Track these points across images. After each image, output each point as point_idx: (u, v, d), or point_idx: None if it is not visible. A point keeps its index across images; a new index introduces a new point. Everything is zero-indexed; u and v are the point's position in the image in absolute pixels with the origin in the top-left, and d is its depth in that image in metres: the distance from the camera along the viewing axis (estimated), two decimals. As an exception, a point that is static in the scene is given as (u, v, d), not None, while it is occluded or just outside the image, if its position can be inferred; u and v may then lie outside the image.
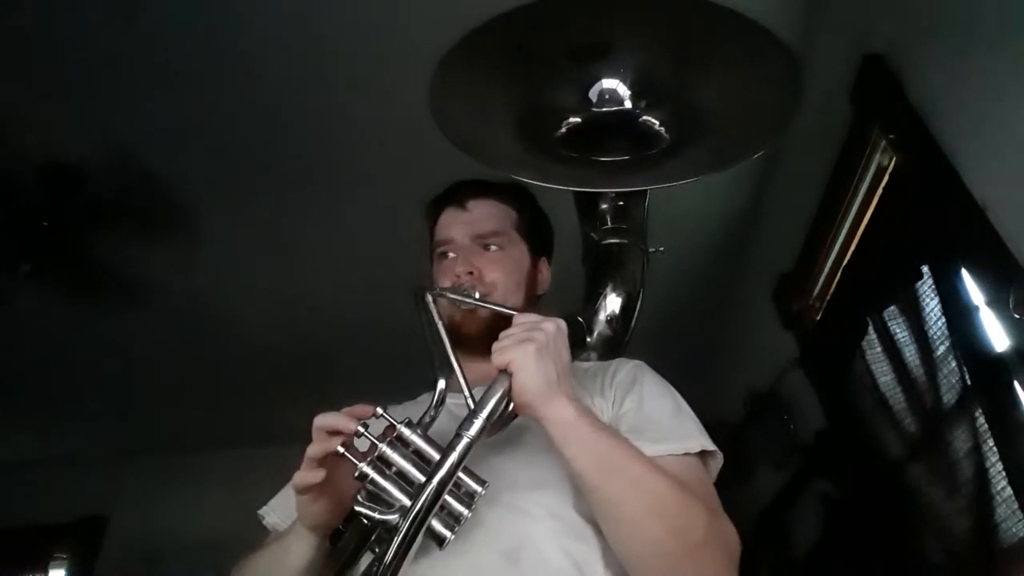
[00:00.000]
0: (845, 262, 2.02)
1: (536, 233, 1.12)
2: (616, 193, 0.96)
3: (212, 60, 1.90)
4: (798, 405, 2.39)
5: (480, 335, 0.98)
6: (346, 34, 1.87)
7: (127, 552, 3.37)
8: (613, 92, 0.92)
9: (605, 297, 0.91)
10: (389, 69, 1.95)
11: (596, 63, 0.92)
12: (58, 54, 1.85)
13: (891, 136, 1.62)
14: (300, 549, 0.79)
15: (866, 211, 1.87)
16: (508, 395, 0.75)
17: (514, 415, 0.78)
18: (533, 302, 1.07)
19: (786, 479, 2.45)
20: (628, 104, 0.92)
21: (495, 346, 0.77)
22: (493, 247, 1.05)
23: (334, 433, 0.76)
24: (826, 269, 2.15)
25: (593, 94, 0.92)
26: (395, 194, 2.32)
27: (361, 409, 0.77)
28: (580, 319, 0.89)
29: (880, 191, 1.77)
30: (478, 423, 0.71)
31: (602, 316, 0.91)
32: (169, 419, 3.42)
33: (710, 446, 0.87)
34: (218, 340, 2.95)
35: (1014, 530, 1.33)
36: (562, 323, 0.80)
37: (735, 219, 2.56)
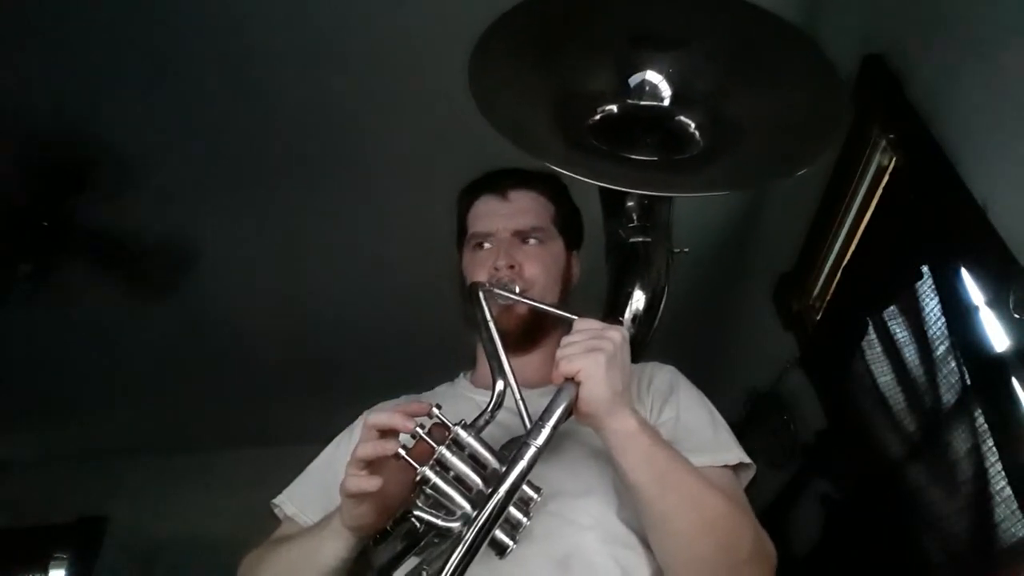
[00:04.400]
0: (845, 262, 2.02)
1: (570, 227, 1.09)
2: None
3: (213, 60, 1.90)
4: (798, 405, 2.39)
5: (518, 332, 0.97)
6: (348, 34, 1.87)
7: (127, 552, 3.37)
8: (654, 86, 0.88)
9: (632, 296, 0.90)
10: (392, 70, 1.96)
11: (646, 52, 0.88)
12: (64, 56, 1.85)
13: (891, 136, 1.62)
14: (336, 548, 0.77)
15: (866, 211, 1.87)
16: (572, 404, 0.72)
17: (564, 421, 0.76)
18: (566, 298, 1.05)
19: (786, 479, 2.44)
20: (666, 101, 0.88)
21: (560, 352, 0.74)
22: (533, 241, 1.02)
23: (386, 433, 0.72)
24: (826, 269, 2.15)
25: (633, 83, 0.88)
26: (396, 195, 2.33)
27: (417, 407, 0.74)
28: (620, 320, 0.86)
29: (880, 191, 1.77)
30: (546, 432, 0.69)
31: (628, 316, 0.89)
32: (169, 419, 3.42)
33: (746, 458, 0.88)
34: (218, 340, 2.94)
35: (1014, 530, 1.33)
36: (625, 332, 0.78)
37: (735, 219, 2.56)
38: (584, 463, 0.83)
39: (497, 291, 0.93)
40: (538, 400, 0.78)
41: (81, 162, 2.13)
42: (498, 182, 1.06)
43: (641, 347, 0.93)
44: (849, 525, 2.02)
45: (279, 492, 0.99)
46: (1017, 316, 1.22)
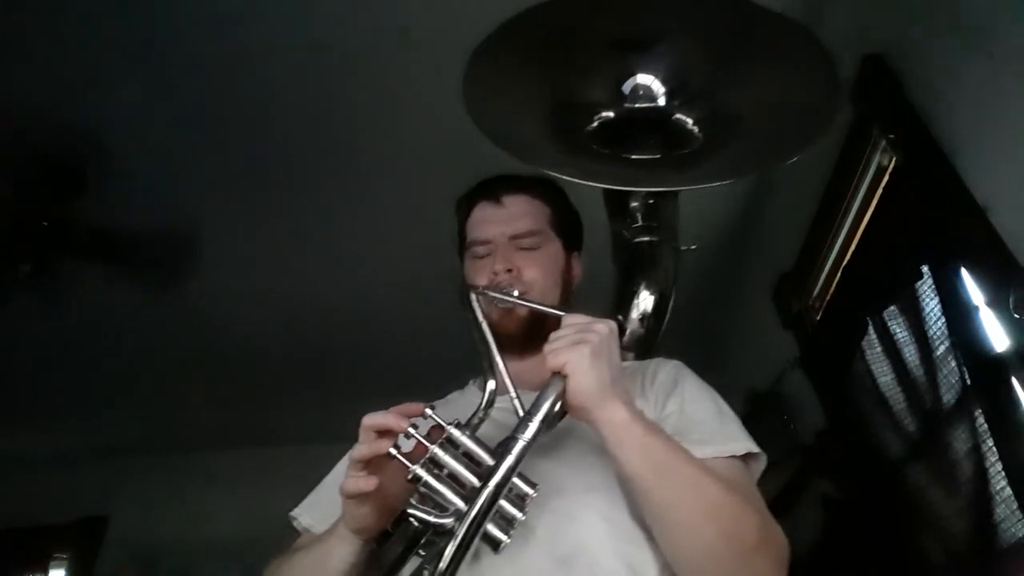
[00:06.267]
0: (845, 262, 2.02)
1: (568, 228, 1.11)
2: (648, 191, 0.95)
3: (214, 60, 1.90)
4: (798, 405, 2.39)
5: (518, 334, 0.98)
6: (349, 35, 1.87)
7: (127, 552, 3.37)
8: (647, 88, 0.90)
9: (638, 296, 0.90)
10: (393, 70, 1.95)
11: (631, 56, 0.90)
12: (64, 57, 1.85)
13: (891, 136, 1.62)
14: (343, 552, 0.77)
15: (866, 211, 1.87)
16: (561, 397, 0.73)
17: (561, 417, 0.76)
18: (568, 299, 1.06)
19: (786, 479, 2.44)
20: (662, 101, 0.90)
21: (547, 347, 0.76)
22: (530, 244, 1.03)
23: (383, 433, 0.73)
24: (826, 269, 2.15)
25: (627, 88, 0.90)
26: (397, 195, 2.33)
27: (411, 407, 0.75)
28: (619, 318, 0.87)
29: (880, 191, 1.77)
30: (533, 426, 0.70)
31: (635, 315, 0.89)
32: (169, 419, 3.43)
33: (754, 448, 0.86)
34: (219, 340, 2.94)
35: (1014, 530, 1.33)
36: (613, 324, 0.79)
37: (735, 219, 2.56)
38: (587, 460, 0.83)
39: (491, 293, 0.95)
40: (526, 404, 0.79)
41: (81, 162, 2.12)
42: (493, 188, 1.08)
43: (650, 345, 0.93)
44: (849, 525, 2.02)
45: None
46: (1017, 316, 1.22)
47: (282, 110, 2.06)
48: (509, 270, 0.99)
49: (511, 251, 1.02)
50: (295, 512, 0.97)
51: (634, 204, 0.94)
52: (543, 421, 0.71)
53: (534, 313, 0.96)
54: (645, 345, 0.91)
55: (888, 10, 1.61)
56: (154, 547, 3.33)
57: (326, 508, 0.91)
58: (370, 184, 2.31)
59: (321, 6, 1.80)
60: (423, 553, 0.74)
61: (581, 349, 0.73)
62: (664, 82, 0.89)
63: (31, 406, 3.21)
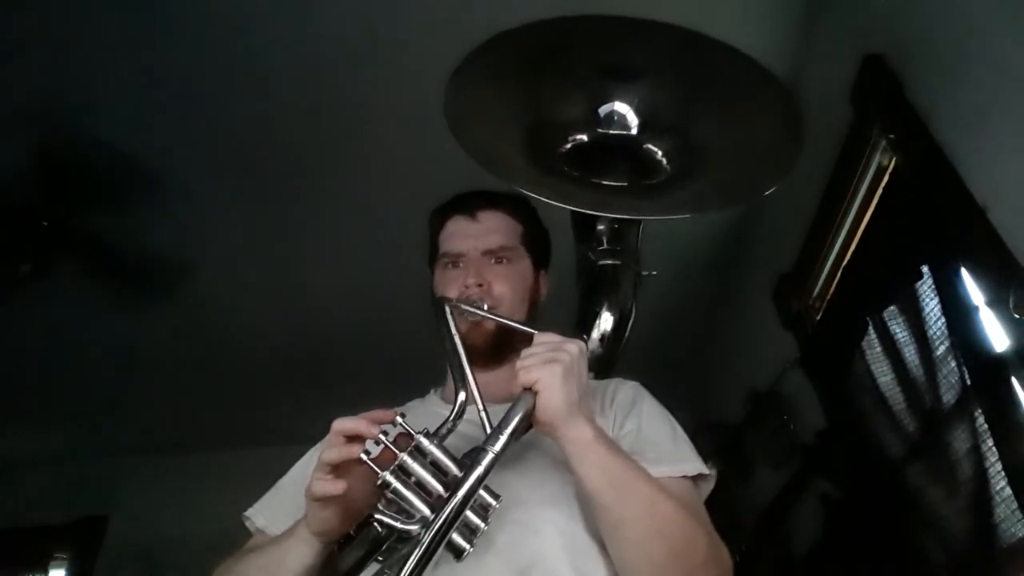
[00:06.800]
0: (845, 262, 2.02)
1: (538, 246, 1.13)
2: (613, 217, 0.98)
3: (213, 59, 1.90)
4: (798, 405, 2.39)
5: (485, 347, 1.00)
6: (348, 36, 1.87)
7: (127, 552, 3.37)
8: (622, 116, 0.93)
9: (599, 316, 0.93)
10: (391, 70, 1.96)
11: (611, 84, 0.93)
12: (64, 56, 1.85)
13: (891, 136, 1.63)
14: (302, 555, 0.78)
15: (866, 211, 1.87)
16: (530, 413, 0.76)
17: (526, 430, 0.78)
18: (535, 315, 1.08)
19: (786, 479, 2.44)
20: (634, 130, 0.93)
21: (519, 363, 0.78)
22: (502, 260, 1.06)
23: (353, 439, 0.74)
24: (826, 269, 2.15)
25: (603, 112, 0.93)
26: (397, 195, 2.33)
27: (381, 414, 0.76)
28: (584, 338, 0.89)
29: (880, 191, 1.77)
30: (503, 439, 0.72)
31: (596, 335, 0.93)
32: (169, 419, 3.43)
33: (705, 469, 0.91)
34: (218, 340, 2.95)
35: (1013, 530, 1.33)
36: (583, 345, 0.82)
37: (735, 219, 2.56)
38: (547, 473, 0.86)
39: (464, 307, 0.97)
40: (503, 414, 0.81)
41: (82, 164, 2.12)
42: (468, 203, 1.10)
43: (609, 364, 0.97)
44: (849, 525, 2.02)
45: (266, 494, 1.00)
46: (1017, 316, 1.22)
47: (282, 111, 2.06)
48: (480, 284, 1.01)
49: (483, 265, 1.04)
50: (249, 513, 0.98)
51: (600, 228, 0.97)
52: (512, 434, 0.73)
53: (502, 327, 0.99)
54: (604, 364, 0.94)
55: (888, 10, 1.61)
56: (154, 547, 3.33)
57: (281, 509, 0.93)
58: (369, 187, 2.31)
59: (322, 10, 1.80)
60: (381, 559, 0.76)
61: (553, 368, 0.76)
62: (638, 112, 0.93)
63: (31, 406, 3.21)
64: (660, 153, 0.93)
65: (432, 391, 1.13)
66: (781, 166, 0.88)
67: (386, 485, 0.70)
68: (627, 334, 0.95)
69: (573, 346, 0.79)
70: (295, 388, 3.15)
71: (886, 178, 1.74)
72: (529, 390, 0.76)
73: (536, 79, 0.93)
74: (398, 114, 2.06)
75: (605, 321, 0.93)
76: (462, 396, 0.81)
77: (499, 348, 1.02)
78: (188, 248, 2.50)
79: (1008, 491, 1.32)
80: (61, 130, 2.05)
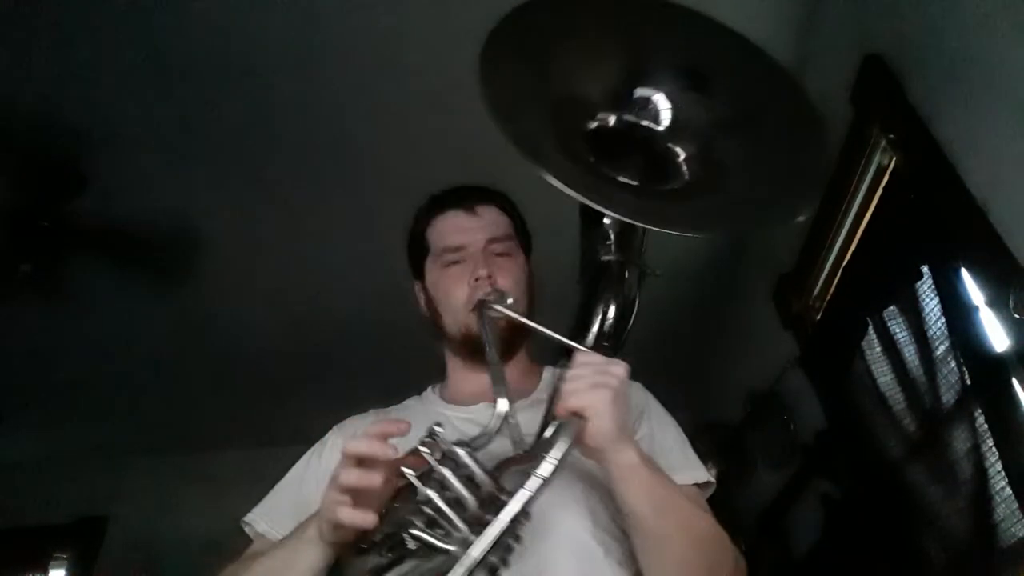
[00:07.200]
0: (845, 262, 2.02)
1: (527, 241, 1.13)
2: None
3: (212, 58, 1.90)
4: (798, 405, 2.39)
5: (499, 343, 0.96)
6: (347, 36, 1.87)
7: (127, 552, 3.37)
8: (654, 105, 0.89)
9: (601, 313, 0.92)
10: (390, 71, 1.96)
11: (656, 71, 0.89)
12: (63, 57, 1.85)
13: (891, 136, 1.62)
14: (311, 559, 0.77)
15: (866, 211, 1.87)
16: (578, 438, 0.73)
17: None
18: (533, 309, 1.07)
19: (786, 479, 2.44)
20: (662, 126, 0.89)
21: (568, 387, 0.75)
22: (503, 250, 1.04)
23: (366, 461, 0.73)
24: (826, 269, 2.15)
25: (636, 95, 0.89)
26: (397, 195, 2.33)
27: (390, 426, 0.75)
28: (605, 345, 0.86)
29: (880, 191, 1.77)
30: (551, 466, 0.68)
31: (594, 331, 0.91)
32: (169, 419, 3.42)
33: (711, 477, 0.93)
34: (218, 341, 2.95)
35: (1013, 530, 1.33)
36: (627, 367, 0.80)
37: (735, 219, 2.56)
38: (560, 479, 0.84)
39: (502, 309, 0.93)
40: (518, 413, 0.82)
41: (79, 162, 2.12)
42: (464, 197, 1.08)
43: None
44: (849, 525, 2.02)
45: (265, 498, 1.00)
46: (1017, 316, 1.22)
47: (281, 110, 2.06)
48: (490, 276, 0.98)
49: (488, 258, 1.02)
50: (249, 518, 0.97)
51: (608, 223, 0.95)
52: (562, 460, 0.70)
53: (511, 323, 0.96)
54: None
55: (888, 10, 1.61)
56: (154, 547, 3.33)
57: (281, 513, 0.93)
58: (370, 185, 2.31)
59: (323, 8, 1.80)
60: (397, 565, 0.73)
61: (603, 393, 0.74)
62: (672, 106, 0.88)
63: (31, 406, 3.21)
64: (682, 156, 0.89)
65: (430, 389, 1.11)
66: (791, 210, 0.85)
67: (427, 501, 0.68)
68: (627, 334, 0.94)
69: (619, 369, 0.77)
70: (295, 388, 3.15)
71: (886, 178, 1.74)
72: (577, 415, 0.73)
73: (579, 43, 0.88)
74: (403, 111, 2.06)
75: (607, 318, 0.92)
76: (503, 406, 0.79)
77: (512, 343, 1.01)
78: (189, 250, 2.50)
79: (1008, 491, 1.32)
80: (58, 128, 2.05)
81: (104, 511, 3.54)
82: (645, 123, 0.89)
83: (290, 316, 2.87)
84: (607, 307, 0.90)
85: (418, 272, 1.11)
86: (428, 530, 0.68)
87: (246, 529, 0.97)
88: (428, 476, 0.70)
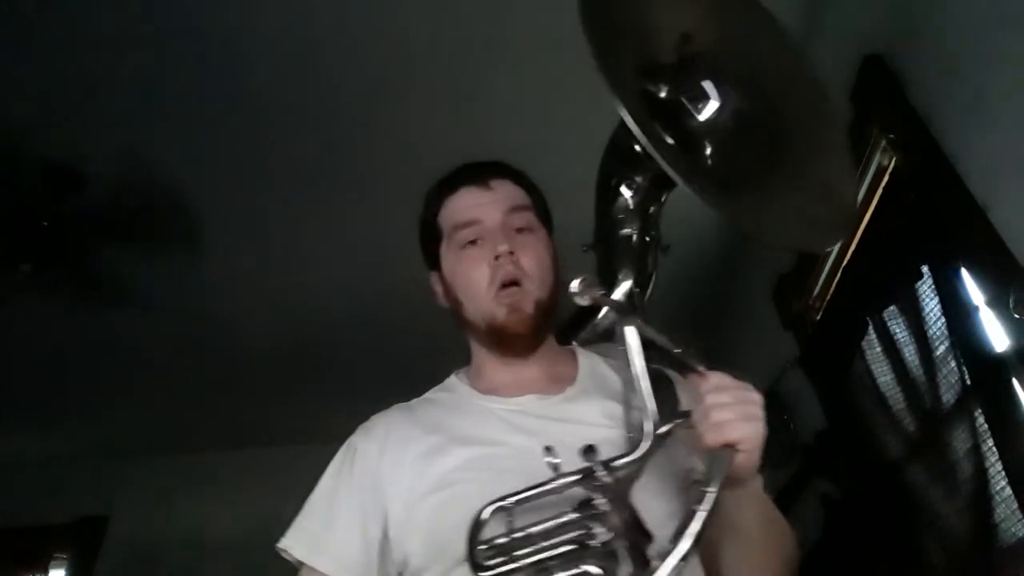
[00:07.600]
0: (845, 262, 2.02)
1: (548, 218, 1.03)
2: (643, 184, 0.94)
3: (213, 63, 1.90)
4: (798, 405, 2.39)
5: (527, 333, 0.92)
6: (346, 38, 1.87)
7: (127, 552, 3.37)
8: (705, 98, 0.90)
9: (618, 285, 0.90)
10: (389, 71, 1.96)
11: (720, 70, 0.90)
12: (63, 57, 1.85)
13: (891, 136, 1.62)
14: None
15: (866, 211, 1.87)
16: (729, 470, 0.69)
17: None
18: (560, 294, 0.95)
19: (786, 479, 2.44)
20: (702, 116, 0.90)
21: (716, 416, 0.70)
22: (524, 224, 0.96)
23: None
24: (826, 269, 2.15)
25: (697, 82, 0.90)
26: (397, 195, 2.33)
27: None
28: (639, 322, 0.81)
29: (880, 191, 1.77)
30: (712, 498, 0.64)
31: (616, 297, 0.90)
32: (169, 419, 3.42)
33: None
34: (218, 341, 2.94)
35: (1013, 530, 1.33)
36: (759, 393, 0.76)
37: (735, 219, 2.55)
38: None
39: (650, 335, 0.83)
40: (551, 409, 0.83)
41: (79, 163, 2.12)
42: (478, 172, 1.00)
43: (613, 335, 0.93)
44: (849, 525, 2.02)
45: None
46: (1017, 316, 1.22)
47: (282, 109, 2.06)
48: (512, 252, 0.91)
49: (508, 233, 0.93)
50: (285, 544, 0.88)
51: (627, 194, 0.93)
52: (720, 491, 0.66)
53: (540, 307, 0.91)
54: (611, 336, 0.90)
55: (888, 10, 1.61)
56: (154, 547, 3.33)
57: (316, 535, 0.87)
58: (370, 183, 2.31)
59: (322, 9, 1.80)
60: None
61: (756, 426, 0.71)
62: (721, 110, 0.90)
63: (31, 406, 3.21)
64: (708, 152, 0.89)
65: (455, 377, 1.02)
66: (828, 238, 0.88)
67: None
68: (645, 302, 0.93)
69: (759, 396, 0.73)
70: (295, 388, 3.15)
71: (886, 178, 1.74)
72: (729, 446, 0.69)
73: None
74: (403, 109, 2.06)
75: (623, 291, 0.91)
76: (649, 427, 0.72)
77: (539, 334, 0.94)
78: (189, 248, 2.50)
79: (1008, 491, 1.32)
80: (57, 127, 2.05)
81: (104, 511, 3.54)
82: (699, 108, 0.90)
83: (290, 316, 2.87)
84: (624, 279, 0.89)
85: (433, 262, 1.02)
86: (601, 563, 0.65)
87: (284, 556, 0.88)
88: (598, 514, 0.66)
